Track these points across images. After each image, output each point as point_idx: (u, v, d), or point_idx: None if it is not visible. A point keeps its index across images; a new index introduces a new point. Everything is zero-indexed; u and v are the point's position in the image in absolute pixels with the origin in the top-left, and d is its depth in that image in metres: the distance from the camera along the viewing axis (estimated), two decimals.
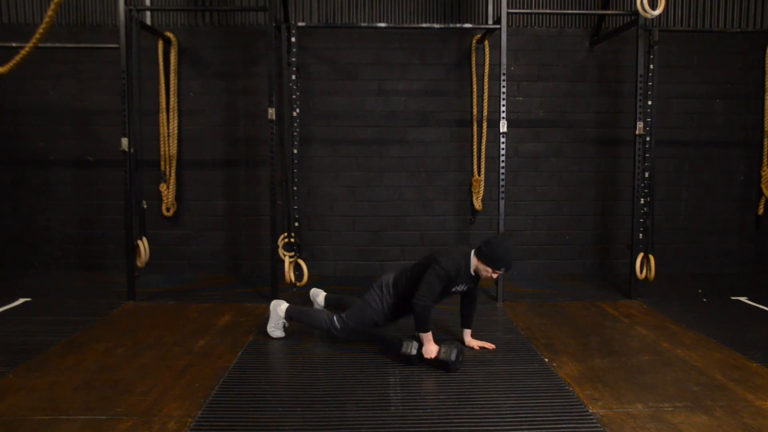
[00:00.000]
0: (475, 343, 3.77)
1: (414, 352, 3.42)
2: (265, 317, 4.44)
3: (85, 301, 4.92)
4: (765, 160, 5.94)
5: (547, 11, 5.86)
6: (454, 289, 3.56)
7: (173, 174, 5.92)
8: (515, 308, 4.77)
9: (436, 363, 3.37)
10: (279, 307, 3.90)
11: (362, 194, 6.09)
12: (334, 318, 3.67)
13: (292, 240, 5.12)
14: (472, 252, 3.51)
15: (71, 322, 4.25)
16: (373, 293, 3.68)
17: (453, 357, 3.32)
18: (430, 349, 3.38)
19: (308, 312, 3.88)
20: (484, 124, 5.97)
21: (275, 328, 3.91)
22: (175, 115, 5.89)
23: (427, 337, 3.41)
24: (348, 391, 3.07)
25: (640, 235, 5.09)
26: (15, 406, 2.84)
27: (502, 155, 4.89)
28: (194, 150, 6.03)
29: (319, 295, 4.21)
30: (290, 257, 5.06)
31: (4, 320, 4.35)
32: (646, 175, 5.11)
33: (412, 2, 6.02)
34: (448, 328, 4.19)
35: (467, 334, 3.81)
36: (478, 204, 6.07)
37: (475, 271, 3.53)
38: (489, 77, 5.88)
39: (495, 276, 3.52)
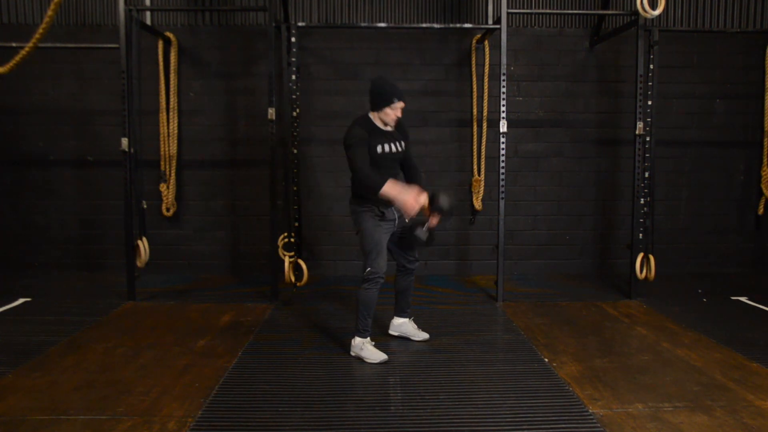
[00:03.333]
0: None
1: (423, 235, 3.44)
2: (265, 317, 4.45)
3: (85, 301, 4.92)
4: (765, 160, 5.94)
5: (547, 11, 5.85)
6: (380, 150, 3.49)
7: (173, 174, 5.92)
8: (515, 308, 4.77)
9: (434, 211, 3.39)
10: (361, 350, 3.55)
11: None
12: (367, 270, 3.50)
13: (292, 240, 5.12)
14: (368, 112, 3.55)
15: (71, 322, 4.26)
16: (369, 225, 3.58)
17: (446, 205, 3.38)
18: (404, 199, 3.27)
19: (362, 306, 3.59)
20: (484, 124, 5.97)
21: (371, 353, 3.53)
22: (175, 115, 5.89)
23: (391, 189, 3.29)
24: (348, 391, 3.07)
25: (640, 235, 5.09)
26: (15, 406, 2.84)
27: (502, 155, 4.88)
28: (194, 150, 6.03)
29: (396, 321, 4.00)
30: (290, 257, 5.06)
31: (4, 320, 4.35)
32: (646, 175, 5.11)
33: (412, 2, 6.01)
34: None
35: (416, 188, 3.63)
36: (478, 204, 6.07)
37: (383, 122, 3.54)
38: (489, 77, 5.88)
39: (400, 114, 3.52)
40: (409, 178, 3.72)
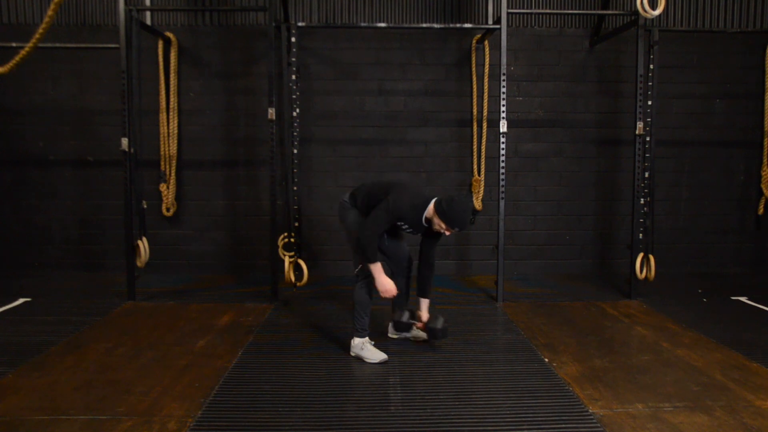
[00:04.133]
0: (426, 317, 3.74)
1: (405, 319, 3.69)
2: (265, 317, 4.45)
3: (85, 301, 4.92)
4: (765, 160, 5.94)
5: (547, 11, 5.85)
6: (401, 225, 3.51)
7: (173, 174, 5.92)
8: (515, 308, 4.77)
9: (426, 331, 3.66)
10: (361, 350, 3.57)
11: None
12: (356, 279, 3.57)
13: (292, 240, 5.12)
14: (432, 202, 3.41)
15: (71, 322, 4.25)
16: (350, 217, 3.62)
17: (439, 325, 3.57)
18: (382, 282, 3.35)
19: (357, 306, 3.63)
20: (484, 124, 5.97)
21: (371, 353, 3.54)
22: (175, 115, 5.89)
23: (376, 269, 3.35)
24: (348, 391, 3.07)
25: (640, 235, 5.09)
26: (15, 406, 2.84)
27: (502, 155, 4.88)
28: (194, 150, 6.03)
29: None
30: (290, 257, 5.06)
31: (4, 320, 4.35)
32: (646, 175, 5.11)
33: (412, 2, 6.01)
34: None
35: (424, 305, 3.72)
36: (478, 204, 6.07)
37: (428, 220, 3.45)
38: (489, 77, 5.88)
39: (447, 233, 3.46)
40: (420, 266, 3.72)
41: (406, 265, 3.84)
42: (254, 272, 6.06)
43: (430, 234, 3.61)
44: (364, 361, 3.51)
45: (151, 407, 2.83)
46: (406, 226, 3.52)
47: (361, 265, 3.49)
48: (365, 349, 3.53)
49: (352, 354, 3.59)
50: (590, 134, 6.14)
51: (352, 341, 3.60)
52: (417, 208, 3.42)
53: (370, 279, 3.48)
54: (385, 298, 3.48)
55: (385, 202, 3.37)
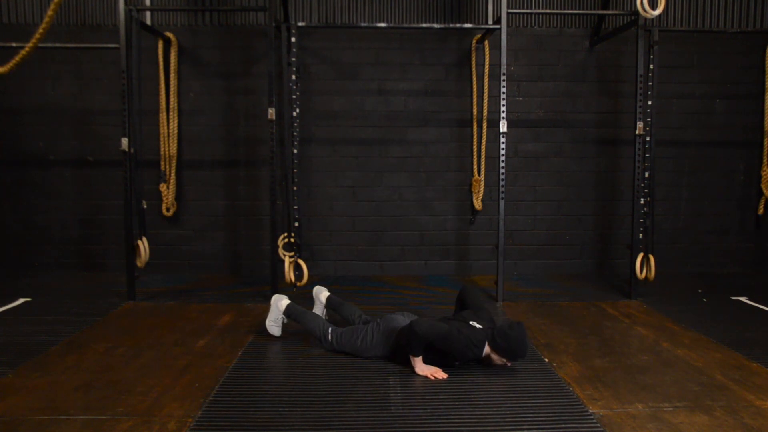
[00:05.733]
0: None
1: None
2: (265, 317, 4.45)
3: (85, 301, 4.92)
4: (765, 160, 5.94)
5: (547, 11, 5.85)
6: (454, 362, 3.35)
7: (173, 174, 5.92)
8: (515, 308, 4.77)
9: None
10: (279, 302, 3.89)
11: (362, 194, 6.09)
12: (329, 330, 3.63)
13: (292, 240, 5.12)
14: (486, 341, 3.29)
15: (71, 322, 4.25)
16: (373, 330, 3.52)
17: None
18: (420, 369, 3.25)
19: (306, 315, 3.84)
20: (484, 124, 5.97)
21: (273, 323, 3.89)
22: (175, 115, 5.89)
23: (416, 361, 3.29)
24: (348, 391, 3.07)
25: (640, 235, 5.09)
26: (15, 406, 2.84)
27: (502, 155, 4.88)
28: (194, 150, 6.03)
29: (321, 293, 4.17)
30: (290, 257, 5.06)
31: (4, 320, 4.35)
32: (646, 175, 5.11)
33: (412, 2, 6.02)
34: None
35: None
36: (478, 204, 6.07)
37: (486, 356, 3.34)
38: (489, 77, 5.88)
39: (509, 365, 3.35)
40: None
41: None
42: (254, 272, 6.07)
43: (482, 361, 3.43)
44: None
45: (151, 407, 2.83)
46: (458, 363, 3.36)
47: (327, 340, 3.66)
48: (277, 316, 3.91)
49: (271, 304, 3.93)
50: (590, 134, 6.14)
51: (280, 300, 3.92)
52: (480, 341, 3.28)
53: (323, 341, 3.69)
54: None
55: (460, 332, 3.22)
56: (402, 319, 3.55)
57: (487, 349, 3.30)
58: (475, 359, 3.36)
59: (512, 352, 3.26)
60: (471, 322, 3.38)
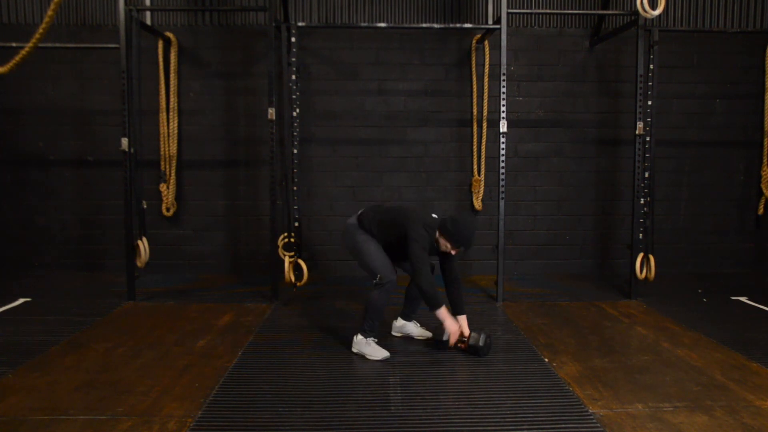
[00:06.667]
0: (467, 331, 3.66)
1: (446, 337, 3.59)
2: (265, 317, 4.45)
3: (85, 301, 4.92)
4: (765, 160, 5.94)
5: (547, 11, 5.85)
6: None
7: (173, 174, 5.92)
8: (515, 308, 4.77)
9: (468, 349, 3.55)
10: (364, 346, 3.60)
11: (362, 194, 6.09)
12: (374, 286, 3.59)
13: (292, 240, 5.12)
14: (439, 226, 3.52)
15: (71, 322, 4.25)
16: (361, 242, 3.62)
17: (481, 342, 3.50)
18: (450, 326, 3.46)
19: (371, 310, 3.62)
20: (484, 124, 5.97)
21: (373, 350, 3.58)
22: (175, 115, 5.89)
23: (442, 313, 3.45)
24: (348, 391, 3.07)
25: (640, 235, 5.09)
26: (15, 406, 2.84)
27: (502, 155, 4.88)
28: (194, 150, 6.03)
29: (399, 323, 4.02)
30: (290, 257, 5.06)
31: (4, 320, 4.35)
32: (646, 175, 5.11)
33: (412, 2, 6.02)
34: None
35: (463, 321, 3.66)
36: (478, 204, 6.07)
37: (436, 241, 3.54)
38: (489, 77, 5.88)
39: (454, 252, 3.53)
40: (448, 288, 3.72)
41: None
42: (254, 272, 6.06)
43: (444, 255, 3.65)
44: (365, 360, 3.51)
45: (151, 407, 2.83)
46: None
47: (379, 275, 3.53)
48: (368, 346, 3.55)
49: (354, 350, 3.60)
50: (590, 134, 6.14)
51: (355, 337, 3.61)
52: (431, 227, 3.52)
53: (388, 286, 3.51)
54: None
55: (413, 242, 3.41)
56: (354, 217, 3.75)
57: (437, 234, 3.51)
58: (430, 245, 3.51)
59: (457, 236, 3.43)
60: (433, 215, 3.65)
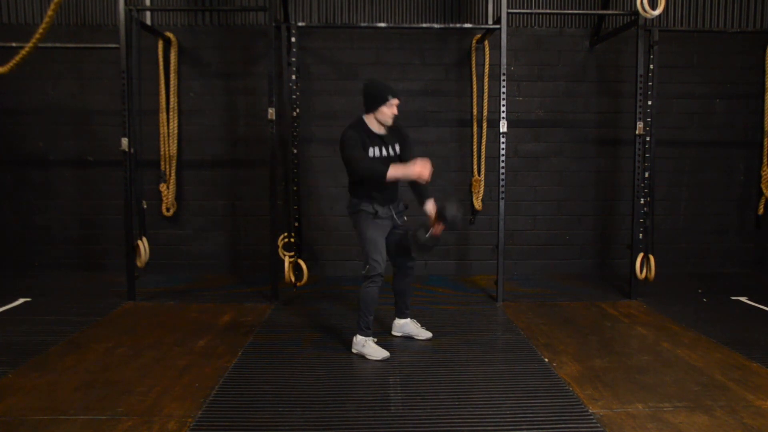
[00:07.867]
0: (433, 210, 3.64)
1: (424, 234, 3.55)
2: (265, 317, 4.45)
3: (85, 301, 4.92)
4: (765, 160, 5.94)
5: (547, 11, 5.85)
6: (372, 154, 3.52)
7: (173, 174, 5.92)
8: (515, 308, 4.77)
9: (447, 225, 3.53)
10: (363, 347, 3.59)
11: None
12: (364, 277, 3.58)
13: (292, 240, 5.12)
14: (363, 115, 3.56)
15: (71, 322, 4.26)
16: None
17: (453, 212, 3.51)
18: (411, 169, 3.40)
19: (363, 305, 3.62)
20: (484, 124, 5.97)
21: (373, 350, 3.57)
22: (175, 115, 5.89)
23: (394, 174, 3.40)
24: (348, 391, 3.07)
25: (640, 235, 5.09)
26: (15, 406, 2.84)
27: (502, 155, 4.88)
28: (194, 150, 6.03)
29: (398, 322, 4.02)
30: (290, 257, 5.06)
31: (4, 320, 4.35)
32: (646, 175, 5.11)
33: (412, 2, 6.01)
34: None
35: (430, 203, 3.67)
36: (478, 204, 6.07)
37: (379, 123, 3.54)
38: (489, 77, 5.88)
39: (396, 111, 3.53)
40: (413, 185, 3.69)
41: (409, 264, 3.82)
42: (254, 272, 6.06)
43: (403, 147, 3.67)
44: (365, 360, 3.51)
45: (151, 407, 2.83)
46: (378, 149, 3.54)
47: (368, 266, 3.51)
48: (367, 346, 3.55)
49: (354, 351, 3.60)
50: (590, 134, 6.14)
51: (354, 338, 3.61)
52: (359, 121, 3.56)
53: (376, 279, 3.51)
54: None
55: (342, 150, 3.47)
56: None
57: (368, 117, 3.55)
58: (381, 140, 3.55)
59: (377, 93, 3.49)
60: None
